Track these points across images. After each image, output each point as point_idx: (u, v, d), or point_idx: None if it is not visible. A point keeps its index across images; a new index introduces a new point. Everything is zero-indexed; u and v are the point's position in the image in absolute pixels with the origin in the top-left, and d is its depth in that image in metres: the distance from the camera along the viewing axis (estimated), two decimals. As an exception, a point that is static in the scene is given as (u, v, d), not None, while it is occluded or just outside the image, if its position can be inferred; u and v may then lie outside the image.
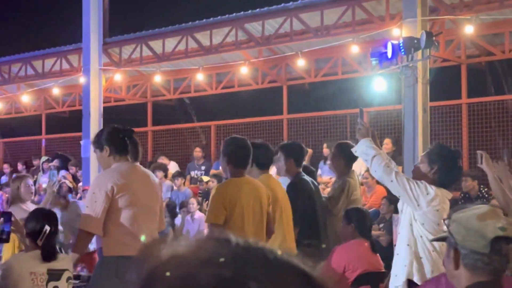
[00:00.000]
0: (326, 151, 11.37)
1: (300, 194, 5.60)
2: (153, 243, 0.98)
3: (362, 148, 4.37)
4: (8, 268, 4.03)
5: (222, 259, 0.92)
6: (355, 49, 11.29)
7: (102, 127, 12.70)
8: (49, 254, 4.12)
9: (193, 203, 11.00)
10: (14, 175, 7.99)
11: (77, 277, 4.34)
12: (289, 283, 0.93)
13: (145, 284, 0.93)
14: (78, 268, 5.78)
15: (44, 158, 15.34)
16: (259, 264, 0.93)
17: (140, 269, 0.93)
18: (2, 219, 4.24)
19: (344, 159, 6.03)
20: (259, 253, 0.95)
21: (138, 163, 4.80)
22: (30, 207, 6.53)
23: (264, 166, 5.44)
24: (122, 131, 4.67)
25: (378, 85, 10.38)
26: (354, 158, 5.94)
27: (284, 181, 5.82)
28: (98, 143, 4.69)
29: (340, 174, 6.14)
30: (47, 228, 4.14)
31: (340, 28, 11.14)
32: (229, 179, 5.00)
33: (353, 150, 4.64)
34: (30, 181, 6.64)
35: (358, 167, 10.85)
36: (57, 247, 4.26)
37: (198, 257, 0.93)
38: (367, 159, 4.32)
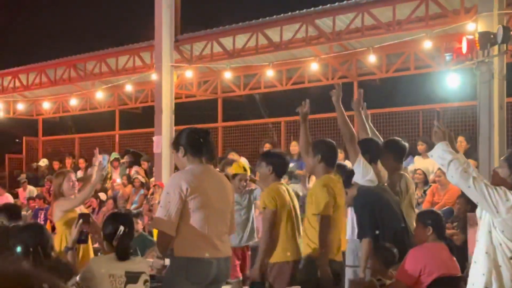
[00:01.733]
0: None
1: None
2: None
3: (439, 152, 4.26)
4: (88, 270, 4.13)
5: None
6: (428, 44, 11.06)
7: (173, 123, 12.93)
8: (123, 254, 4.19)
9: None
10: (57, 171, 8.12)
11: (151, 277, 4.40)
12: None
13: None
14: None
15: (114, 155, 15.61)
16: None
17: None
18: (81, 220, 4.34)
19: (393, 155, 5.98)
20: None
21: (211, 166, 4.83)
22: None
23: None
24: (198, 132, 4.70)
25: (452, 81, 10.16)
26: (403, 153, 5.88)
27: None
28: (175, 143, 4.76)
29: (390, 170, 6.01)
30: (122, 228, 4.21)
31: (413, 23, 10.93)
32: (325, 176, 5.23)
33: (429, 154, 4.54)
34: (73, 177, 6.70)
35: (431, 164, 10.66)
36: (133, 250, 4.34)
37: None
38: (444, 163, 4.21)
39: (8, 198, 14.72)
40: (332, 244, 5.14)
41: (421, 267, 4.94)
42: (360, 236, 5.43)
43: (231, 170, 12.19)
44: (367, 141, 6.00)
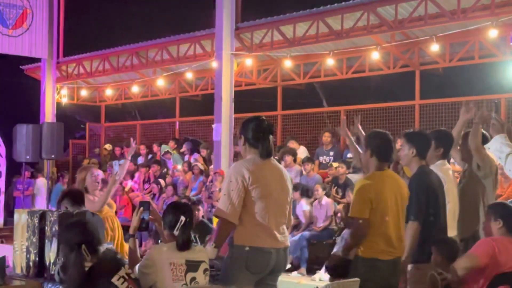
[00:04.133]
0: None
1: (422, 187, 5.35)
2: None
3: (496, 145, 4.17)
4: (149, 258, 4.20)
5: None
6: (493, 33, 10.80)
7: (232, 111, 12.99)
8: (184, 244, 4.24)
9: (318, 189, 11.04)
10: (81, 166, 8.19)
11: (210, 266, 4.44)
12: None
13: None
14: None
15: (165, 148, 15.72)
16: None
17: None
18: (142, 208, 4.41)
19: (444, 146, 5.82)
20: None
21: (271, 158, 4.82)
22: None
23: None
24: (262, 128, 4.68)
25: (518, 71, 9.91)
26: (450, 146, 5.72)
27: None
28: (240, 130, 4.78)
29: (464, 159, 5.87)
30: (183, 218, 4.26)
31: (478, 11, 10.67)
32: (373, 173, 5.05)
33: (486, 146, 4.44)
34: (96, 172, 6.73)
35: (494, 156, 10.42)
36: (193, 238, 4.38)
37: None
38: (501, 156, 4.13)
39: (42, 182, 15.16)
40: (373, 244, 4.96)
41: (489, 259, 4.78)
42: (407, 218, 5.28)
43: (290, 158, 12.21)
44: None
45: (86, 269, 3.98)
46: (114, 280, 3.93)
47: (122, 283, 3.94)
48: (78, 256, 3.97)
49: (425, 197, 5.28)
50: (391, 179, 5.07)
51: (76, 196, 5.74)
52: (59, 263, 4.30)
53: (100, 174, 6.87)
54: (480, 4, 10.59)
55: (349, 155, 12.48)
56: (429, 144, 5.55)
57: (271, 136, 4.76)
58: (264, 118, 4.82)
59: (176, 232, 4.24)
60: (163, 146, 16.09)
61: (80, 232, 4.08)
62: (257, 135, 4.68)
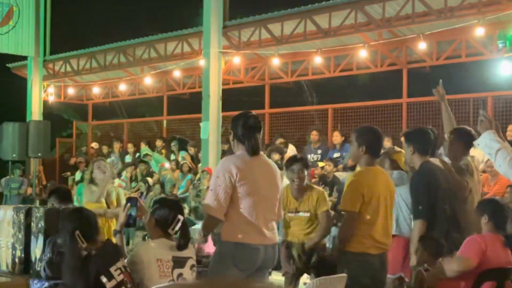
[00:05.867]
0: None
1: (424, 185, 5.35)
2: None
3: (486, 141, 4.17)
4: (136, 255, 4.17)
5: None
6: (480, 31, 10.85)
7: (220, 109, 12.97)
8: (186, 244, 4.22)
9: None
10: (92, 159, 8.50)
11: (198, 261, 4.42)
12: None
13: None
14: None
15: (144, 151, 15.66)
16: None
17: None
18: (129, 204, 4.38)
19: (463, 143, 5.80)
20: None
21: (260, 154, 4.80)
22: None
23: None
24: (250, 126, 4.64)
25: (505, 69, 9.95)
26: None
27: None
28: (231, 125, 4.73)
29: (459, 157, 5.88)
30: (181, 217, 4.22)
31: (465, 10, 10.71)
32: (365, 168, 5.05)
33: (475, 143, 4.45)
34: (103, 165, 6.96)
35: (482, 154, 10.47)
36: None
37: None
38: (491, 152, 4.13)
39: None
40: (363, 239, 4.98)
41: (483, 250, 4.79)
42: (415, 216, 5.29)
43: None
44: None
45: (83, 256, 3.96)
46: (112, 270, 3.91)
47: (119, 274, 3.92)
48: (72, 242, 3.95)
49: (426, 195, 5.29)
50: (382, 175, 5.12)
51: (63, 193, 5.77)
52: (45, 259, 4.27)
53: (107, 167, 7.21)
54: (467, 3, 10.63)
55: (335, 154, 12.50)
56: (428, 139, 5.52)
57: (258, 134, 4.72)
58: (252, 114, 4.77)
59: (171, 231, 4.20)
60: (142, 149, 16.01)
61: (74, 219, 4.06)
62: (244, 131, 4.66)
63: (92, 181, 7.05)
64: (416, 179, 5.38)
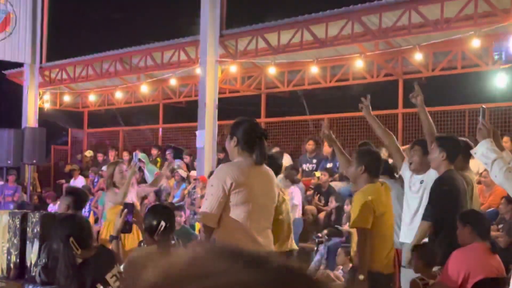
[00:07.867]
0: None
1: (443, 191, 5.38)
2: (143, 258, 0.87)
3: (482, 150, 4.17)
4: (131, 261, 4.16)
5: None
6: (476, 42, 10.89)
7: (216, 118, 12.97)
8: (165, 249, 4.22)
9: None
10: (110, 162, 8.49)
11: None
12: None
13: None
14: None
15: (141, 156, 15.63)
16: None
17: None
18: (126, 210, 4.39)
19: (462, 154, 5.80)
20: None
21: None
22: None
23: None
24: (257, 131, 4.60)
25: (500, 81, 9.99)
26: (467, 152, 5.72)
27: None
28: (231, 130, 4.65)
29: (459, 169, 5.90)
30: (163, 224, 4.23)
31: (461, 21, 10.77)
32: (369, 185, 5.12)
33: (472, 151, 4.46)
34: (124, 167, 6.97)
35: (477, 165, 10.48)
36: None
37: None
38: (487, 162, 4.13)
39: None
40: (375, 257, 4.99)
41: (465, 270, 4.83)
42: (424, 216, 5.33)
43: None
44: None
45: (78, 263, 3.95)
46: (107, 277, 3.90)
47: (115, 281, 3.91)
48: (66, 249, 3.94)
49: (443, 200, 5.32)
50: (385, 191, 5.18)
51: (80, 197, 5.88)
52: (40, 264, 4.26)
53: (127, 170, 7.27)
54: (463, 15, 10.68)
55: (328, 165, 12.47)
56: (459, 149, 5.57)
57: (266, 141, 4.68)
58: (255, 121, 4.80)
59: (156, 237, 4.21)
60: (141, 154, 15.93)
61: (68, 225, 4.06)
62: (252, 138, 4.54)
63: (113, 184, 7.02)
64: (440, 182, 5.39)
